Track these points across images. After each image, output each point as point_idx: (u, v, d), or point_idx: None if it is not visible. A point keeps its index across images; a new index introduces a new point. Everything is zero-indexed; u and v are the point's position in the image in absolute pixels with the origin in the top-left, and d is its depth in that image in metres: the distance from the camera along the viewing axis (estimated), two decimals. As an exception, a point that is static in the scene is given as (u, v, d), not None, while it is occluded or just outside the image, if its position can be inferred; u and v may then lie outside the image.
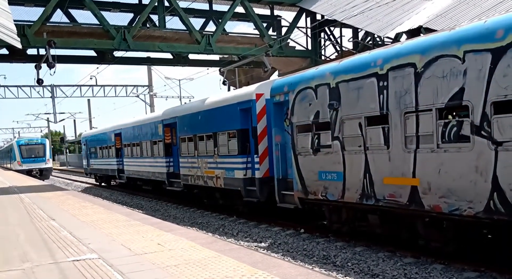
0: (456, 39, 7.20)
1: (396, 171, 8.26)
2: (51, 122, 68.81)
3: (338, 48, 27.22)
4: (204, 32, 24.73)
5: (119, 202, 21.97)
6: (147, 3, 22.97)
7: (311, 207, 11.06)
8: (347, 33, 27.46)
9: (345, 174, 9.44)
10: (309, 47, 27.09)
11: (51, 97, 44.41)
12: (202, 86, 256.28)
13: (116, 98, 54.59)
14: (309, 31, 27.00)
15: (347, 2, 22.27)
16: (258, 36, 25.53)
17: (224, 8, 25.76)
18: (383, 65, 8.40)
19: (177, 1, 22.62)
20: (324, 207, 10.66)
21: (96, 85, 44.03)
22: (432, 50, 7.53)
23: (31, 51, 23.78)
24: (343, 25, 25.10)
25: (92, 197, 20.03)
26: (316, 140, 10.25)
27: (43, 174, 41.51)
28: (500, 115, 6.60)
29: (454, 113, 7.47)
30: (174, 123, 18.70)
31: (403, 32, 20.10)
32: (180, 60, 27.03)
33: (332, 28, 26.82)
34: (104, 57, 25.03)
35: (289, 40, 26.33)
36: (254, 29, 25.68)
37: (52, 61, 20.19)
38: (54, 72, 20.72)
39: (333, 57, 26.96)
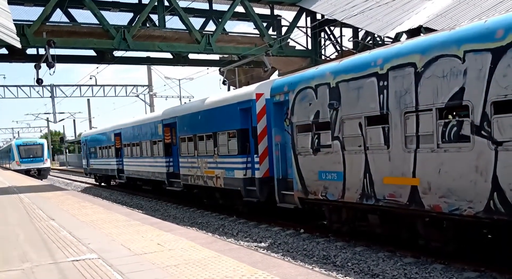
0: (456, 39, 7.20)
1: (396, 171, 8.25)
2: (51, 122, 68.90)
3: (338, 48, 27.22)
4: (204, 32, 24.72)
5: (119, 202, 21.97)
6: (147, 3, 22.96)
7: (311, 207, 11.05)
8: (347, 32, 27.53)
9: (345, 174, 9.43)
10: (309, 47, 27.09)
11: (50, 97, 44.43)
12: (202, 86, 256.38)
13: (115, 98, 54.62)
14: (309, 30, 27.00)
15: (347, 2, 22.27)
16: (258, 35, 25.52)
17: (224, 7, 25.76)
18: (383, 65, 8.39)
19: (177, 1, 22.61)
20: (324, 207, 10.66)
21: (96, 85, 44.05)
22: (432, 50, 7.52)
23: (31, 51, 23.79)
24: (343, 25, 25.10)
25: (91, 197, 20.03)
26: (316, 140, 10.25)
27: (41, 173, 42.40)
28: (500, 115, 6.59)
29: (454, 113, 7.47)
30: (174, 123, 18.70)
31: (403, 32, 20.10)
32: (180, 59, 27.03)
33: (332, 28, 26.82)
34: (103, 57, 25.02)
35: (289, 40, 26.33)
36: (254, 28, 25.69)
37: (52, 61, 20.19)
38: (54, 72, 20.75)
39: (333, 56, 26.96)
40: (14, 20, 17.96)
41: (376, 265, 8.42)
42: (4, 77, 78.98)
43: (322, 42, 27.25)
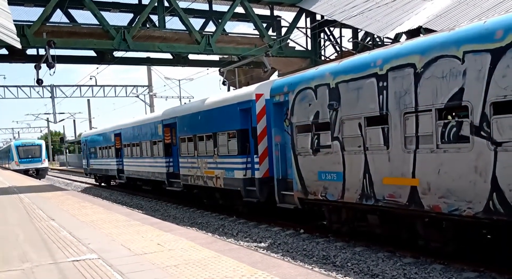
0: (455, 40, 7.21)
1: (395, 171, 8.27)
2: (51, 122, 68.90)
3: (338, 49, 27.24)
4: (204, 32, 24.75)
5: (119, 202, 21.97)
6: (147, 3, 22.98)
7: (311, 207, 11.06)
8: (347, 33, 27.51)
9: (344, 174, 9.44)
10: (309, 48, 27.10)
11: (50, 97, 44.46)
12: (202, 86, 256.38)
13: (116, 98, 54.72)
14: (309, 31, 27.01)
15: (347, 3, 22.29)
16: (258, 36, 25.54)
17: (224, 8, 25.78)
18: (383, 66, 8.41)
19: (177, 1, 22.63)
20: (324, 207, 10.67)
21: (96, 85, 44.08)
22: (431, 51, 7.53)
23: (31, 51, 23.80)
24: (343, 26, 25.12)
25: (91, 197, 20.03)
26: (316, 140, 10.26)
27: (39, 173, 43.83)
28: (500, 116, 6.60)
29: (454, 114, 7.47)
30: (174, 123, 18.71)
31: (402, 33, 20.12)
32: (180, 60, 27.04)
33: (332, 29, 26.84)
34: (103, 57, 25.04)
35: (289, 41, 26.35)
36: (254, 29, 25.71)
37: (52, 61, 20.20)
38: (54, 72, 20.75)
39: (333, 57, 26.98)
40: (14, 21, 17.96)
41: (375, 265, 8.43)
42: (4, 78, 79.04)
43: (322, 43, 27.27)
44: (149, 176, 22.06)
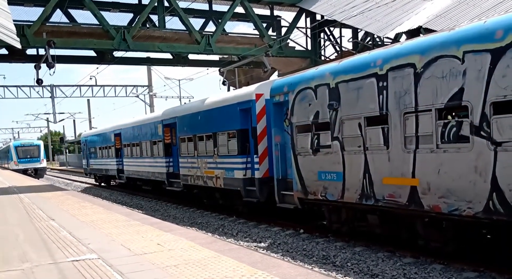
0: (455, 40, 7.21)
1: (395, 171, 8.26)
2: (51, 122, 68.93)
3: (338, 49, 27.24)
4: (204, 32, 24.75)
5: (119, 202, 21.97)
6: (147, 3, 22.99)
7: (310, 207, 11.06)
8: (347, 33, 27.50)
9: (344, 174, 9.44)
10: (309, 47, 27.10)
11: (50, 97, 44.48)
12: (202, 86, 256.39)
13: (115, 98, 54.73)
14: (308, 31, 27.01)
15: (346, 3, 22.29)
16: (258, 36, 25.54)
17: (224, 8, 25.78)
18: (383, 66, 8.41)
19: (177, 1, 22.63)
20: (324, 207, 10.66)
21: (96, 85, 44.08)
22: (431, 51, 7.53)
23: (31, 51, 23.80)
24: (342, 26, 25.12)
25: (91, 197, 20.03)
26: (316, 140, 10.26)
27: (37, 173, 45.25)
28: (500, 116, 6.60)
29: (454, 114, 7.47)
30: (174, 123, 18.71)
31: (402, 33, 20.12)
32: (179, 60, 27.04)
33: (332, 29, 26.84)
34: (103, 57, 25.04)
35: (288, 40, 26.35)
36: (254, 29, 25.71)
37: (52, 61, 20.20)
38: (54, 72, 20.76)
39: (332, 57, 26.98)
40: (14, 21, 17.97)
41: (375, 265, 8.43)
42: (4, 77, 78.96)
43: (322, 43, 27.27)
44: (149, 176, 22.06)
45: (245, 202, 14.06)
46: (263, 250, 10.34)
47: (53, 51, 20.33)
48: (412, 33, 17.92)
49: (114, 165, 27.51)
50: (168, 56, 27.22)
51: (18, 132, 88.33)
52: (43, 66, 21.45)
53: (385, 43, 23.86)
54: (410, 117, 7.94)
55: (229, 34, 26.06)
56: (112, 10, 24.34)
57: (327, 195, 9.97)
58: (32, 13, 30.55)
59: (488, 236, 8.06)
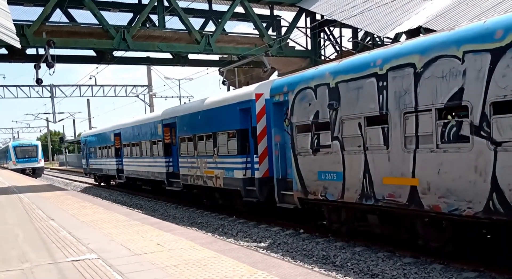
0: (455, 39, 7.21)
1: (395, 171, 8.26)
2: (50, 122, 68.90)
3: (338, 48, 27.24)
4: (203, 32, 24.74)
5: (119, 202, 21.96)
6: (147, 3, 22.98)
7: (310, 207, 11.05)
8: (347, 33, 27.51)
9: (344, 174, 9.44)
10: (309, 47, 27.10)
11: (50, 97, 44.53)
12: (202, 86, 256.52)
13: (115, 98, 54.65)
14: (308, 31, 27.01)
15: (346, 2, 22.29)
16: (258, 36, 25.54)
17: (224, 8, 25.78)
18: (383, 65, 8.40)
19: (177, 1, 22.62)
20: (324, 207, 10.66)
21: (96, 85, 44.08)
22: (431, 50, 7.53)
23: (30, 51, 23.81)
24: (342, 25, 25.12)
25: (91, 197, 20.03)
26: (316, 140, 10.25)
27: (35, 172, 46.76)
28: (500, 116, 6.60)
29: (454, 113, 7.47)
30: (174, 123, 18.70)
31: (402, 32, 20.12)
32: (179, 60, 27.04)
33: (331, 28, 26.84)
34: (103, 57, 25.03)
35: (288, 40, 26.35)
36: (253, 29, 25.70)
37: (52, 61, 20.21)
38: (54, 72, 20.78)
39: (332, 57, 26.98)
40: (13, 20, 17.97)
41: (375, 265, 8.43)
42: (3, 77, 78.80)
43: (322, 43, 27.27)
44: (148, 176, 22.06)
45: (245, 202, 14.06)
46: (263, 250, 10.34)
47: (52, 51, 20.34)
48: (412, 33, 17.92)
49: (114, 165, 27.50)
50: (168, 56, 27.22)
51: (17, 132, 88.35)
52: (43, 65, 21.46)
53: (385, 43, 23.87)
54: (410, 117, 7.93)
55: (229, 34, 26.05)
56: (112, 10, 24.34)
57: (327, 195, 9.97)
58: (32, 13, 30.55)
59: (488, 236, 8.05)
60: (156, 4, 22.89)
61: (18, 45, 15.75)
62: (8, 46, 20.23)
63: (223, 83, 24.60)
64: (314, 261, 9.27)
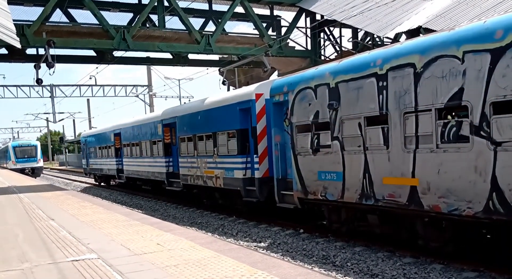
0: (455, 40, 7.21)
1: (395, 171, 8.26)
2: (50, 122, 68.93)
3: (338, 48, 27.24)
4: (203, 32, 24.75)
5: (119, 202, 21.97)
6: (147, 3, 22.99)
7: (310, 207, 11.05)
8: (347, 33, 27.50)
9: (344, 174, 9.44)
10: (309, 47, 27.10)
11: (50, 97, 44.56)
12: (202, 86, 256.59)
13: (115, 98, 54.71)
14: (308, 31, 27.01)
15: (346, 2, 22.29)
16: (258, 36, 25.54)
17: (224, 8, 25.78)
18: (383, 65, 8.40)
19: (177, 1, 22.62)
20: (324, 207, 10.66)
21: (96, 85, 44.09)
22: (431, 50, 7.53)
23: (31, 51, 23.81)
24: (342, 25, 25.12)
25: (91, 197, 20.03)
26: (316, 140, 10.25)
27: (34, 172, 47.57)
28: (499, 116, 6.60)
29: (454, 113, 7.47)
30: (174, 123, 18.70)
31: (402, 32, 20.12)
32: (179, 60, 27.04)
33: (331, 28, 26.84)
34: (103, 57, 25.03)
35: (288, 40, 26.35)
36: (253, 29, 25.71)
37: (52, 61, 20.21)
38: (54, 72, 20.78)
39: (332, 57, 26.98)
40: (13, 20, 17.97)
41: (375, 265, 8.43)
42: (3, 77, 78.84)
43: (322, 43, 27.27)
44: (148, 176, 22.06)
45: (245, 202, 14.06)
46: (263, 250, 10.34)
47: (52, 51, 20.34)
48: (412, 33, 17.93)
49: (114, 165, 27.51)
50: (168, 55, 27.22)
51: (17, 132, 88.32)
52: (43, 65, 21.47)
53: (385, 43, 23.87)
54: (410, 117, 7.93)
55: (229, 34, 26.05)
56: (112, 9, 24.34)
57: (327, 195, 9.97)
58: (32, 13, 30.58)
59: (488, 236, 8.05)
60: (156, 4, 22.89)
61: (18, 45, 15.75)
62: (8, 46, 20.23)
63: (223, 83, 24.61)
64: (314, 261, 9.27)
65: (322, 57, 26.92)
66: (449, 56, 7.22)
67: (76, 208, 14.04)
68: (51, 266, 6.78)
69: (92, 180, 35.81)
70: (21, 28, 19.82)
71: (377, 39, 24.89)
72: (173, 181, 19.45)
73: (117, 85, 45.89)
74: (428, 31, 16.63)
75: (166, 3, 23.29)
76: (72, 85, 44.56)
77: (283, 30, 26.94)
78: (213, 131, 15.28)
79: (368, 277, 8.03)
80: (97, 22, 22.12)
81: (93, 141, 32.81)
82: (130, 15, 25.05)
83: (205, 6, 26.36)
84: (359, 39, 26.30)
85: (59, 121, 66.40)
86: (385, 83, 8.34)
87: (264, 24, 26.03)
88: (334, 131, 9.63)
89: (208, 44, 23.38)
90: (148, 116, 23.45)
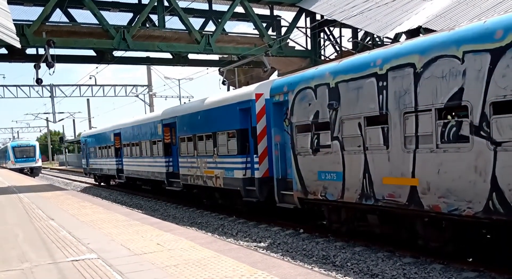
0: (455, 40, 7.21)
1: (395, 171, 8.26)
2: (50, 122, 68.93)
3: (338, 48, 27.24)
4: (203, 32, 24.75)
5: (119, 202, 21.97)
6: (147, 3, 22.98)
7: (310, 207, 11.05)
8: (347, 33, 27.51)
9: (344, 174, 9.44)
10: (309, 47, 27.10)
11: (50, 96, 44.56)
12: (202, 86, 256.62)
13: (115, 97, 54.79)
14: (308, 31, 27.01)
15: (346, 2, 22.29)
16: (258, 36, 25.54)
17: (224, 8, 25.78)
18: (383, 65, 8.40)
19: (177, 1, 22.62)
20: (324, 207, 10.66)
21: (95, 85, 44.09)
22: (431, 50, 7.53)
23: (30, 51, 23.81)
24: (342, 25, 25.12)
25: (91, 197, 20.03)
26: (316, 140, 10.25)
27: (33, 172, 48.61)
28: (499, 116, 6.60)
29: (453, 113, 7.47)
30: (174, 123, 18.70)
31: (402, 32, 20.12)
32: (179, 60, 27.05)
33: (331, 28, 26.84)
34: (103, 57, 25.04)
35: (288, 40, 26.35)
36: (253, 29, 25.70)
37: (51, 61, 20.21)
38: (53, 71, 20.77)
39: (332, 57, 26.98)
40: (13, 20, 17.97)
41: (375, 265, 8.43)
42: (3, 77, 78.97)
43: (322, 43, 27.27)
44: (148, 175, 22.05)
45: (245, 202, 14.06)
46: (263, 250, 10.34)
47: (52, 51, 20.33)
48: (412, 33, 17.93)
49: (114, 165, 27.50)
50: (168, 55, 27.23)
51: (17, 131, 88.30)
52: (43, 65, 21.47)
53: (385, 43, 23.87)
54: (410, 117, 7.93)
55: (229, 34, 26.05)
56: (112, 9, 24.34)
57: (327, 195, 9.97)
58: (32, 13, 30.62)
59: (488, 236, 8.06)
60: (156, 4, 22.89)
61: (18, 45, 15.76)
62: (8, 46, 20.23)
63: (223, 83, 24.60)
64: (314, 261, 9.27)
65: (322, 57, 26.92)
66: (449, 56, 7.23)
67: (76, 208, 14.04)
68: (51, 266, 6.78)
69: (92, 180, 35.81)
70: (21, 28, 19.82)
71: (377, 39, 24.89)
72: (173, 181, 19.45)
73: (117, 85, 45.92)
74: (428, 31, 16.63)
75: (166, 3, 23.29)
76: (72, 85, 44.59)
77: (283, 30, 26.94)
78: (213, 131, 15.28)
79: (368, 277, 8.03)
80: (97, 22, 22.12)
81: (93, 141, 32.81)
82: (130, 15, 25.06)
83: (205, 6, 26.36)
84: (359, 39, 26.31)
85: (59, 121, 66.48)
86: (385, 83, 8.34)
87: (264, 24, 26.03)
88: (334, 131, 9.63)
89: (208, 44, 23.38)
90: (148, 116, 23.45)
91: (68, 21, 23.33)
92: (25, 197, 18.12)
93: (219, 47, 24.25)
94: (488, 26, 6.83)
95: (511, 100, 6.43)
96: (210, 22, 26.45)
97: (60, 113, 64.13)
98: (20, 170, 47.00)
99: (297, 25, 26.86)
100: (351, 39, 26.32)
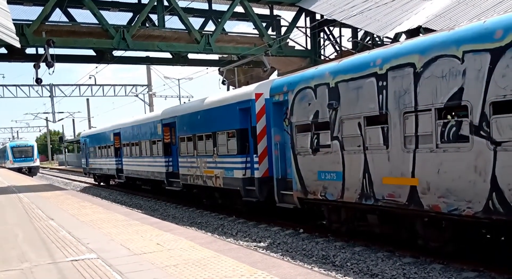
0: (455, 39, 7.21)
1: (395, 171, 8.26)
2: (50, 121, 68.98)
3: (338, 48, 27.24)
4: (203, 32, 24.74)
5: (118, 202, 21.96)
6: (147, 3, 22.98)
7: (310, 207, 11.05)
8: (347, 33, 27.50)
9: (344, 174, 9.44)
10: (309, 47, 27.10)
11: (50, 96, 44.55)
12: (202, 86, 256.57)
13: (115, 97, 54.92)
14: (308, 30, 27.01)
15: (346, 2, 22.29)
16: (258, 35, 25.53)
17: (224, 7, 25.78)
18: (383, 65, 8.40)
19: (177, 1, 22.62)
20: (323, 207, 10.66)
21: (95, 85, 44.10)
22: (431, 50, 7.53)
23: (30, 50, 23.80)
24: (342, 25, 25.12)
25: (91, 197, 20.02)
26: (315, 140, 10.25)
27: (31, 171, 49.50)
28: (499, 115, 6.60)
29: (453, 113, 7.47)
30: (173, 123, 18.70)
31: (402, 32, 20.12)
32: (179, 59, 27.04)
33: (331, 28, 26.84)
34: (103, 57, 25.02)
35: (288, 40, 26.35)
36: (253, 28, 25.70)
37: (51, 61, 20.20)
38: (53, 71, 20.76)
39: (332, 57, 26.98)
40: (13, 20, 17.95)
41: (375, 265, 8.43)
42: (3, 77, 78.91)
43: (322, 42, 27.27)
44: (148, 175, 22.05)
45: (244, 202, 14.06)
46: (262, 250, 10.34)
47: (52, 50, 20.33)
48: (412, 33, 17.93)
49: (114, 165, 27.49)
50: (167, 55, 27.22)
51: (17, 131, 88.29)
52: (43, 65, 21.46)
53: (384, 42, 23.87)
54: (409, 117, 7.93)
55: (229, 34, 26.05)
56: (112, 9, 24.34)
57: (327, 194, 9.97)
58: (32, 12, 30.57)
59: (488, 236, 8.06)
60: (155, 3, 22.89)
61: (18, 45, 15.74)
62: (8, 46, 20.22)
63: (223, 82, 24.58)
64: (313, 261, 9.27)
65: (322, 57, 26.92)
66: (448, 56, 7.22)
67: (75, 208, 14.04)
68: (51, 266, 6.78)
69: (91, 180, 35.81)
70: (20, 27, 19.81)
71: (377, 39, 24.89)
72: (172, 181, 19.44)
73: (116, 85, 45.93)
74: (428, 31, 16.63)
75: (165, 3, 23.29)
76: (72, 85, 44.61)
77: (283, 29, 26.94)
78: (212, 130, 15.27)
79: (368, 277, 8.03)
80: (97, 22, 22.11)
81: (92, 140, 32.80)
82: (130, 14, 25.06)
83: (204, 6, 26.36)
84: (359, 39, 26.31)
85: (58, 120, 66.36)
86: (385, 83, 8.34)
87: (264, 24, 26.02)
88: (334, 131, 9.62)
89: (207, 44, 23.37)
90: (147, 116, 23.44)
91: (67, 20, 23.33)
92: (24, 197, 18.11)
93: (219, 46, 24.24)
94: (488, 26, 6.83)
95: (511, 100, 6.43)
96: (210, 21, 26.45)
97: (60, 112, 64.22)
98: (19, 170, 47.80)
99: (297, 25, 26.87)
100: (351, 39, 26.33)
